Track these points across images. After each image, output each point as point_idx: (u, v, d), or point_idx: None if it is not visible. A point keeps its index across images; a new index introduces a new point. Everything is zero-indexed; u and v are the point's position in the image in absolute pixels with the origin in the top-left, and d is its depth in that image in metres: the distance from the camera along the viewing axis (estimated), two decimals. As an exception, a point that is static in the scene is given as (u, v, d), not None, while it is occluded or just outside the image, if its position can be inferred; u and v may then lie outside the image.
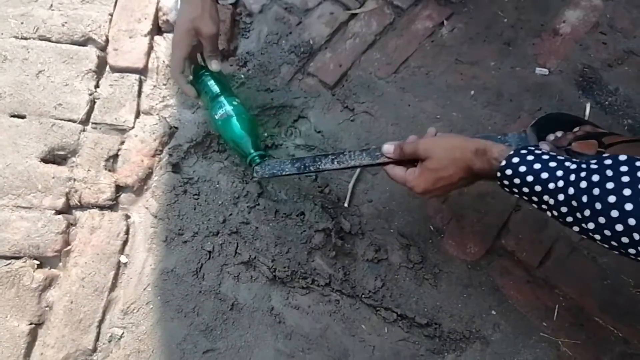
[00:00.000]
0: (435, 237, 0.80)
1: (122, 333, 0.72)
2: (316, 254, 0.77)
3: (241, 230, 0.79)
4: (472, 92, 0.90)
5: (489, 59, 0.93)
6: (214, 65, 0.78)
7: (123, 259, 0.76)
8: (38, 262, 0.74)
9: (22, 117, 0.84)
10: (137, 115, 0.88)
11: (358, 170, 0.83)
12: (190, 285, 0.75)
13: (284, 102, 0.91)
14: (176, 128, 0.88)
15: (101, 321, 0.72)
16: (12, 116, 0.84)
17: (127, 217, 0.80)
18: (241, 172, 0.84)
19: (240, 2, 1.03)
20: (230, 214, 0.80)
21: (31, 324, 0.70)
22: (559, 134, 0.76)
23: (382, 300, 0.74)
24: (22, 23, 0.92)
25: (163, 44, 0.96)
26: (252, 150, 0.75)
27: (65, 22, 0.92)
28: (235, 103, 0.78)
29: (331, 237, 0.77)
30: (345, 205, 0.81)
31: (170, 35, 0.97)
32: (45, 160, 0.81)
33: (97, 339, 0.71)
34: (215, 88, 0.79)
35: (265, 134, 0.88)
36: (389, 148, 0.65)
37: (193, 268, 0.75)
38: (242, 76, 0.94)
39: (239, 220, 0.79)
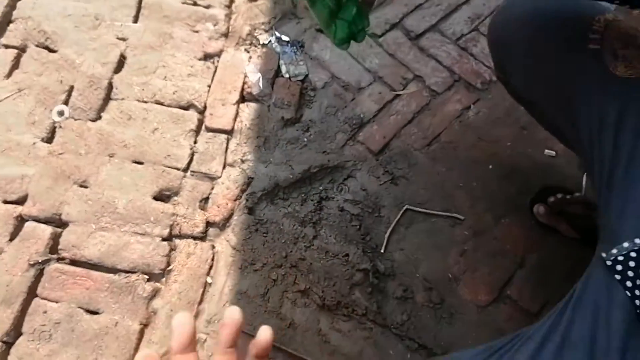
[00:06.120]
0: (453, 283, 0.99)
1: (205, 338, 0.94)
2: (356, 289, 0.98)
3: (299, 264, 1.01)
4: (490, 167, 1.10)
5: (507, 140, 1.14)
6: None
7: (209, 280, 1.00)
8: (147, 277, 0.99)
9: (141, 163, 1.10)
10: (224, 167, 1.13)
11: (393, 223, 1.04)
12: (258, 305, 0.97)
13: (337, 163, 1.14)
14: (252, 179, 1.12)
15: (191, 325, 0.95)
16: (133, 162, 1.11)
17: (213, 247, 1.04)
18: (300, 217, 1.07)
19: (308, 78, 1.29)
20: (291, 251, 1.03)
21: (141, 324, 0.94)
22: (559, 195, 0.95)
23: (407, 331, 0.94)
24: (143, 89, 1.21)
25: (246, 110, 1.22)
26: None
27: (175, 91, 1.20)
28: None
29: (369, 276, 0.98)
30: (382, 251, 1.02)
31: (251, 104, 1.23)
32: (156, 198, 1.07)
33: (188, 338, 0.93)
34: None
35: (321, 188, 1.11)
36: None
37: (261, 292, 0.98)
38: (305, 139, 1.19)
39: (297, 257, 1.02)
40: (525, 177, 1.08)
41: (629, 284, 0.53)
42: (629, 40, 0.60)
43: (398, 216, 1.05)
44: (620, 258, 0.55)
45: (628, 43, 0.60)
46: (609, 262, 0.55)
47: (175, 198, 1.08)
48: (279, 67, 1.28)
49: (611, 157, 0.58)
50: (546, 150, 1.11)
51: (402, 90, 1.24)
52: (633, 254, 0.54)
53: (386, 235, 1.03)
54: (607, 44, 0.61)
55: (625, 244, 0.55)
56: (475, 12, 1.36)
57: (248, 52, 1.30)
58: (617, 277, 0.54)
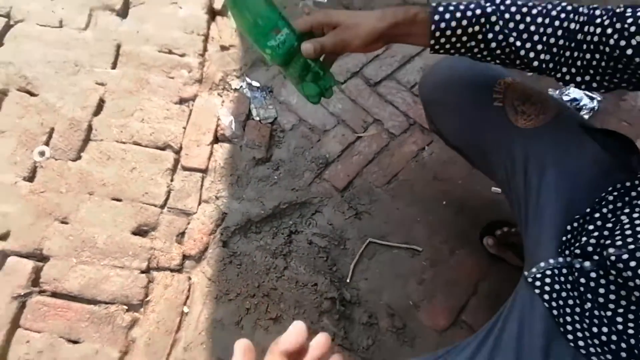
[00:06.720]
0: (413, 310, 1.09)
1: (182, 365, 0.99)
2: (325, 316, 1.06)
3: (271, 294, 1.08)
4: (444, 202, 1.23)
5: (458, 178, 1.28)
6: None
7: (185, 309, 1.05)
8: (126, 307, 1.03)
9: (120, 200, 1.17)
10: (199, 203, 1.21)
11: (358, 255, 1.14)
12: (232, 332, 1.03)
13: (305, 199, 1.24)
14: (226, 214, 1.20)
15: (169, 354, 0.99)
16: (112, 199, 1.17)
17: (189, 278, 1.10)
18: (272, 250, 1.15)
19: (277, 121, 1.40)
20: (263, 281, 1.10)
21: (120, 352, 0.98)
22: (505, 228, 1.08)
23: (372, 355, 1.02)
24: (121, 131, 1.28)
25: (220, 150, 1.31)
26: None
27: (152, 133, 1.28)
28: None
29: (336, 304, 1.06)
30: (348, 280, 1.11)
31: (225, 144, 1.32)
32: (134, 233, 1.13)
33: (164, 368, 0.98)
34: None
35: (290, 222, 1.20)
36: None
37: (235, 320, 1.04)
38: (275, 177, 1.29)
39: (269, 287, 1.09)
40: (475, 212, 1.22)
41: (546, 296, 0.65)
42: (525, 97, 0.75)
43: (362, 248, 1.15)
44: (539, 275, 0.67)
45: (525, 100, 0.75)
46: (529, 280, 0.67)
47: (153, 233, 1.14)
48: (249, 110, 1.39)
49: (524, 195, 0.71)
50: (493, 188, 1.25)
51: (363, 132, 1.37)
52: (548, 272, 0.66)
53: (351, 266, 1.13)
54: (508, 102, 0.75)
55: (542, 264, 0.67)
56: (426, 62, 1.53)
57: (221, 96, 1.41)
58: (537, 291, 0.66)
